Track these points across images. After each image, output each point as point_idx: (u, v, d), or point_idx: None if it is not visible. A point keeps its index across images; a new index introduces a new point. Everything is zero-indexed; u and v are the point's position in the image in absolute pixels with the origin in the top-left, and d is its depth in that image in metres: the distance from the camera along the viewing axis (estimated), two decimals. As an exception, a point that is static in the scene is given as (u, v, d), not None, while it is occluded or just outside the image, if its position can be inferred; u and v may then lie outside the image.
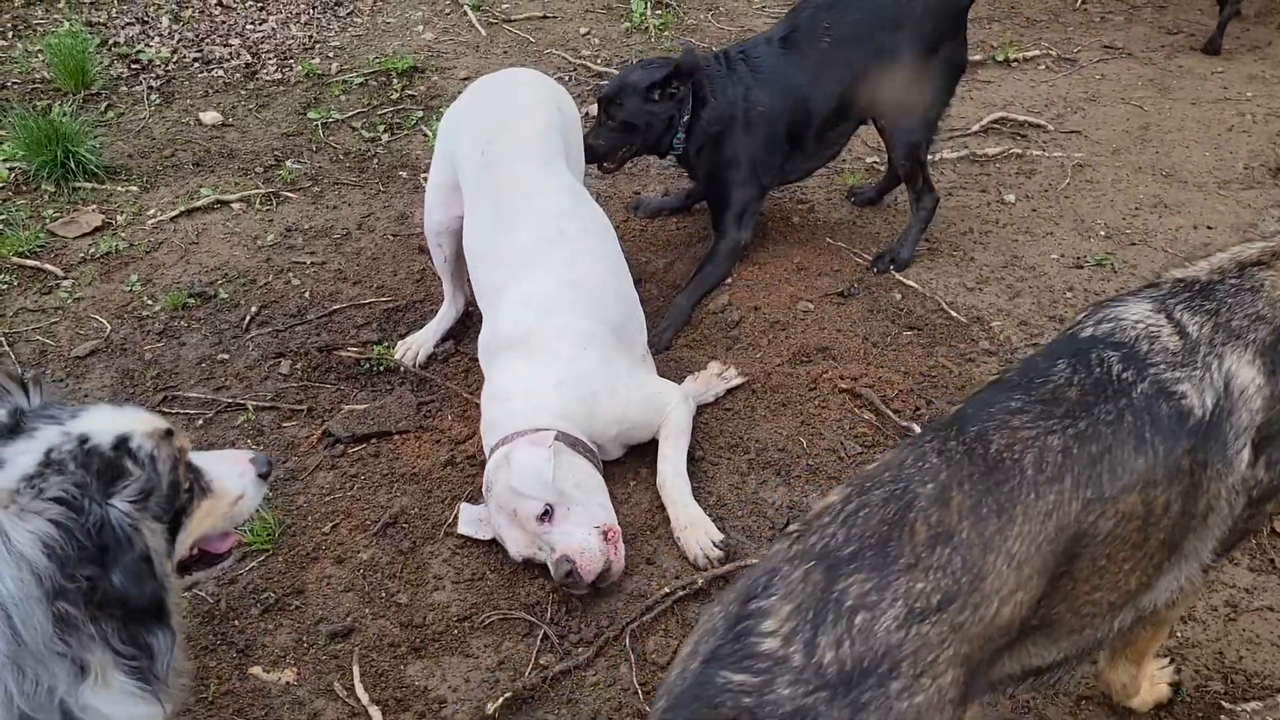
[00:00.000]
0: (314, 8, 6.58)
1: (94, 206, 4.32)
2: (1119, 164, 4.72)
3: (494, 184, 3.23)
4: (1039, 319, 3.76)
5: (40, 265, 3.92)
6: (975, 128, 5.05)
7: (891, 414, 3.28)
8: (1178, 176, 4.60)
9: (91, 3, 6.62)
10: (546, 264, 3.09)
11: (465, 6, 6.53)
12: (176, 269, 3.98)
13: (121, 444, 1.58)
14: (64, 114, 4.76)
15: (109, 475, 1.53)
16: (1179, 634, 2.62)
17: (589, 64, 5.78)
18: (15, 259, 3.93)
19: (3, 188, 4.40)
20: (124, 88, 5.45)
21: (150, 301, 3.79)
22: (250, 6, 6.55)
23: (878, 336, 3.68)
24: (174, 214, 4.29)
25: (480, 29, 6.27)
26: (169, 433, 1.69)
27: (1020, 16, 6.43)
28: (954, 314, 3.78)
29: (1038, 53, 5.83)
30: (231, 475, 1.83)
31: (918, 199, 4.04)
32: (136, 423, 1.63)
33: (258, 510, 2.16)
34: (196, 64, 5.76)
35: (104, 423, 1.59)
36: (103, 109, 5.20)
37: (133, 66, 5.67)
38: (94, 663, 1.46)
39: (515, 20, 6.40)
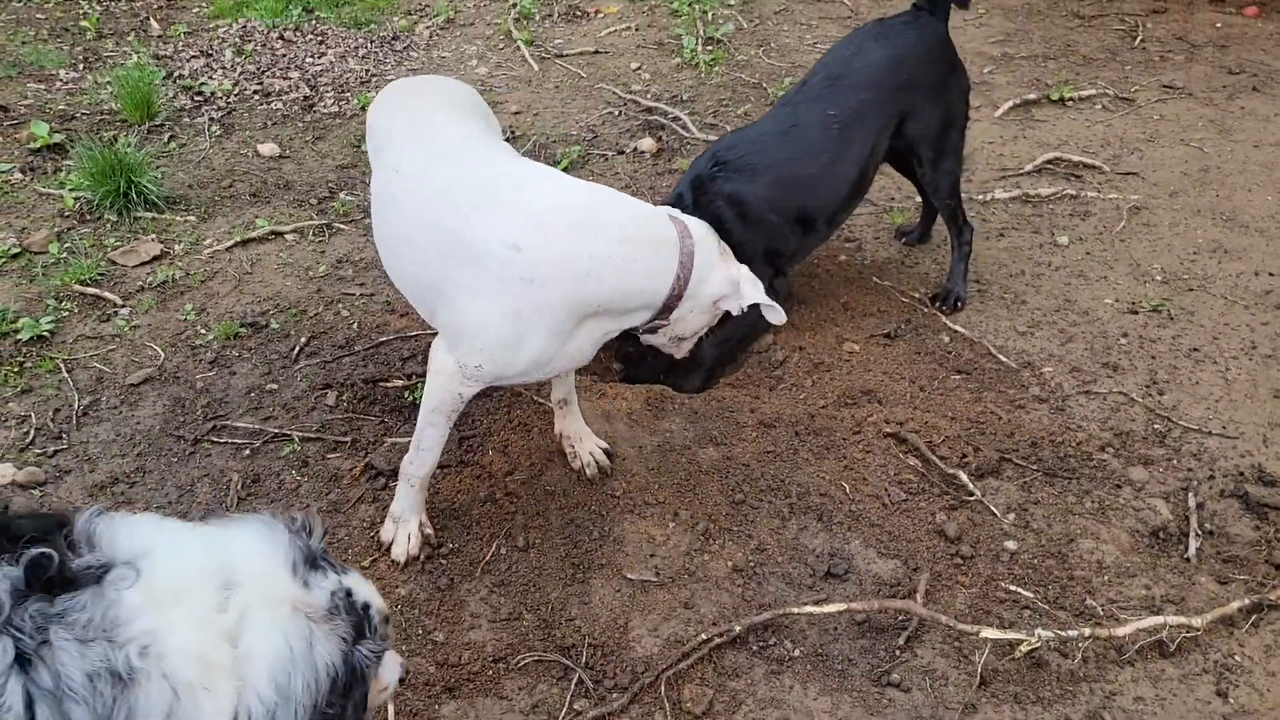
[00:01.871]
0: (371, 41, 6.71)
1: (153, 236, 4.43)
2: (1177, 207, 4.63)
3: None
4: (1092, 365, 3.68)
5: (100, 293, 4.01)
6: (1029, 167, 4.99)
7: (938, 460, 3.22)
8: (1239, 220, 4.49)
9: (160, 36, 6.83)
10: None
11: (519, 41, 6.63)
12: (230, 299, 4.06)
13: (366, 608, 1.76)
14: (129, 145, 4.89)
15: (360, 629, 1.72)
16: (1231, 699, 2.53)
17: (639, 99, 5.82)
18: (77, 287, 4.03)
19: (68, 216, 4.53)
20: (186, 119, 5.60)
21: (204, 331, 3.86)
22: (310, 41, 6.70)
23: (925, 380, 3.63)
24: (230, 244, 4.38)
25: (533, 64, 6.35)
26: (387, 618, 1.87)
27: (1077, 54, 6.36)
28: (1003, 359, 3.72)
29: (1094, 92, 5.75)
30: (391, 666, 1.95)
31: (959, 233, 4.00)
32: (375, 598, 1.82)
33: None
34: (256, 96, 5.90)
35: (360, 587, 1.78)
36: (165, 140, 5.34)
37: (195, 99, 5.82)
38: None
39: (567, 55, 6.48)
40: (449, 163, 2.70)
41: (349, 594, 1.71)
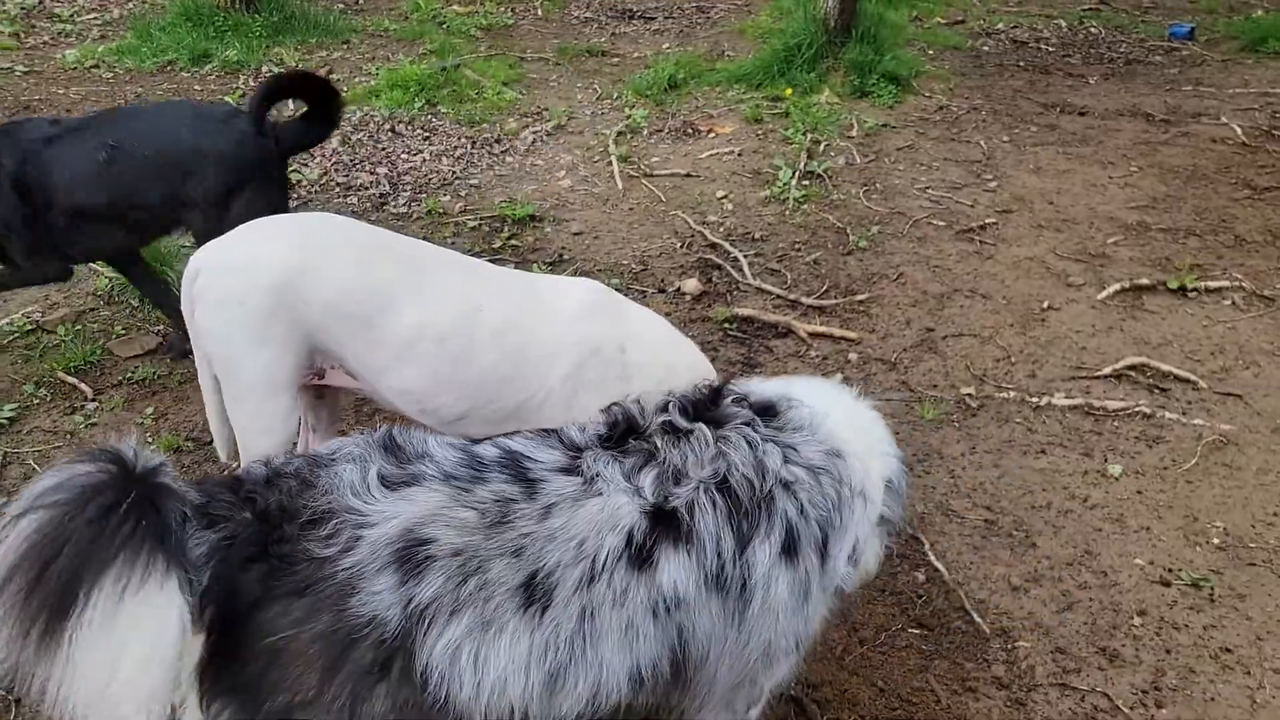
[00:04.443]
0: (473, 142, 6.75)
1: (160, 328, 4.50)
2: (1274, 447, 3.81)
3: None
4: (1084, 648, 2.99)
5: (77, 384, 4.07)
6: (1106, 370, 4.27)
7: (831, 747, 2.67)
8: (1350, 479, 3.63)
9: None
10: None
11: (613, 156, 6.47)
12: (194, 405, 4.02)
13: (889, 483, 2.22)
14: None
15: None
16: None
17: (707, 232, 5.50)
18: (61, 374, 4.12)
19: (99, 296, 4.69)
20: (263, 206, 5.75)
21: (150, 440, 3.83)
22: (417, 135, 6.82)
23: (872, 629, 3.07)
24: (226, 346, 4.37)
25: (618, 181, 6.16)
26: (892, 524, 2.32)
27: (1229, 233, 5.52)
28: (978, 618, 3.09)
29: (1226, 284, 4.93)
30: (874, 552, 2.31)
31: None
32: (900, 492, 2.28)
33: None
34: (338, 188, 6.02)
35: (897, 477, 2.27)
36: (231, 226, 5.49)
37: (282, 185, 5.99)
38: None
39: (657, 176, 6.25)
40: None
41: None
